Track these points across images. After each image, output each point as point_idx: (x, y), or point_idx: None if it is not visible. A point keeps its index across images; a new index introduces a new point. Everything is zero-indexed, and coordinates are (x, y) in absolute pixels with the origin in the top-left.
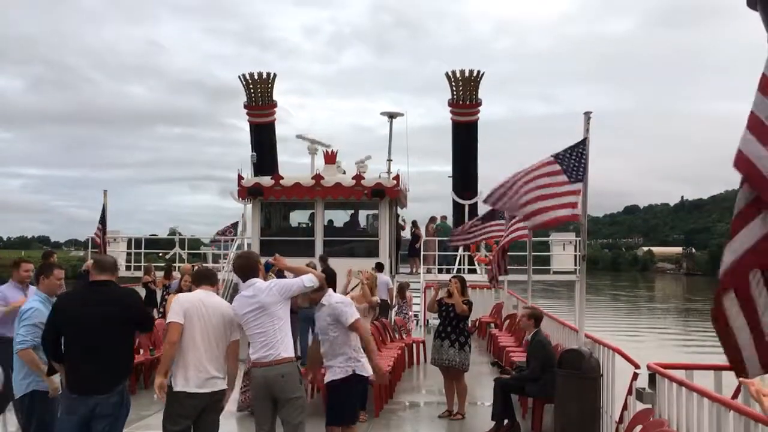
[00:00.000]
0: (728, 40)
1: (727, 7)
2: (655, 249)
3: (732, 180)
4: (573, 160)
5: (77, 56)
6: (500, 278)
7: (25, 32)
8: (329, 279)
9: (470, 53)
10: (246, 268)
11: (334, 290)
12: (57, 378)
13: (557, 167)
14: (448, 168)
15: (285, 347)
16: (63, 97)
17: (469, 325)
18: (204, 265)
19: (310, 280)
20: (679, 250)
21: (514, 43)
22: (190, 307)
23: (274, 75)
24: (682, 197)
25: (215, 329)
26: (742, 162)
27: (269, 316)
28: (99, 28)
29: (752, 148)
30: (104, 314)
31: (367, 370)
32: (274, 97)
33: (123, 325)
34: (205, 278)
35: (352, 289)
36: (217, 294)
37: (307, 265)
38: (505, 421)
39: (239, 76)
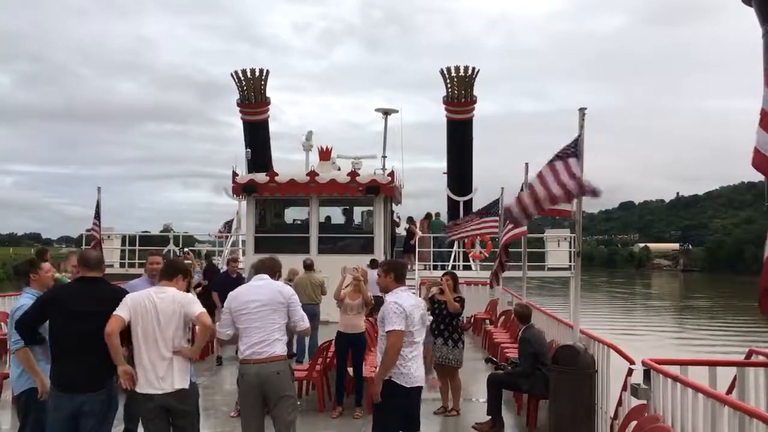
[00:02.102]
0: (719, 37)
1: (718, 4)
2: (652, 245)
3: (726, 177)
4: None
5: (65, 52)
6: (501, 275)
7: (10, 27)
8: (398, 271)
9: (461, 50)
10: (266, 267)
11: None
12: (47, 378)
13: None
14: (441, 164)
15: (281, 345)
16: (52, 94)
17: (464, 321)
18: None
19: (303, 321)
20: (675, 246)
21: (505, 39)
22: (135, 306)
23: (267, 72)
24: (678, 193)
25: (163, 326)
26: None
27: (274, 313)
28: (86, 23)
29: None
30: (96, 311)
31: (408, 380)
32: (267, 94)
33: None
34: (163, 273)
35: (347, 286)
36: (183, 288)
37: (304, 262)
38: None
39: (231, 74)
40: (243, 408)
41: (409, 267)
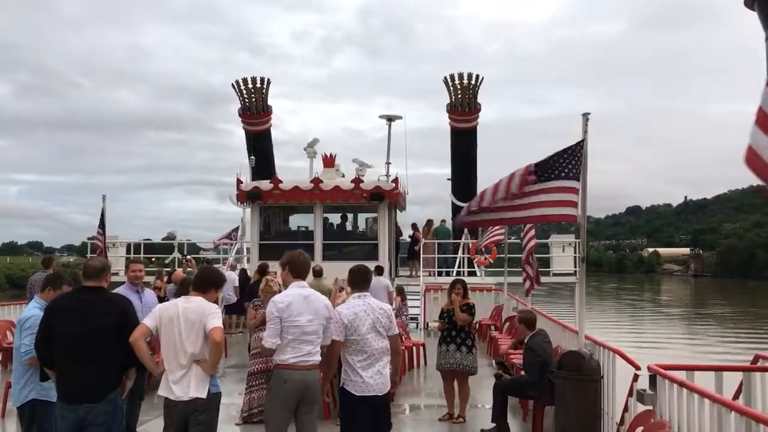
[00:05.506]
0: (719, 41)
1: (719, 7)
2: (661, 250)
3: (734, 180)
4: (567, 161)
5: (64, 62)
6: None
7: (9, 38)
8: (353, 278)
9: (461, 57)
10: (303, 270)
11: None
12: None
13: (533, 177)
14: (443, 171)
15: (320, 355)
16: (53, 103)
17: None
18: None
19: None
20: (685, 251)
21: (505, 46)
22: (162, 314)
23: (269, 81)
24: (686, 197)
25: (184, 335)
26: (752, 158)
27: (320, 327)
28: (84, 33)
29: (761, 141)
30: (94, 321)
31: (358, 389)
32: (268, 103)
33: (113, 332)
34: (194, 284)
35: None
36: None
37: (313, 269)
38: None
39: (233, 84)
40: (274, 415)
41: (414, 273)
